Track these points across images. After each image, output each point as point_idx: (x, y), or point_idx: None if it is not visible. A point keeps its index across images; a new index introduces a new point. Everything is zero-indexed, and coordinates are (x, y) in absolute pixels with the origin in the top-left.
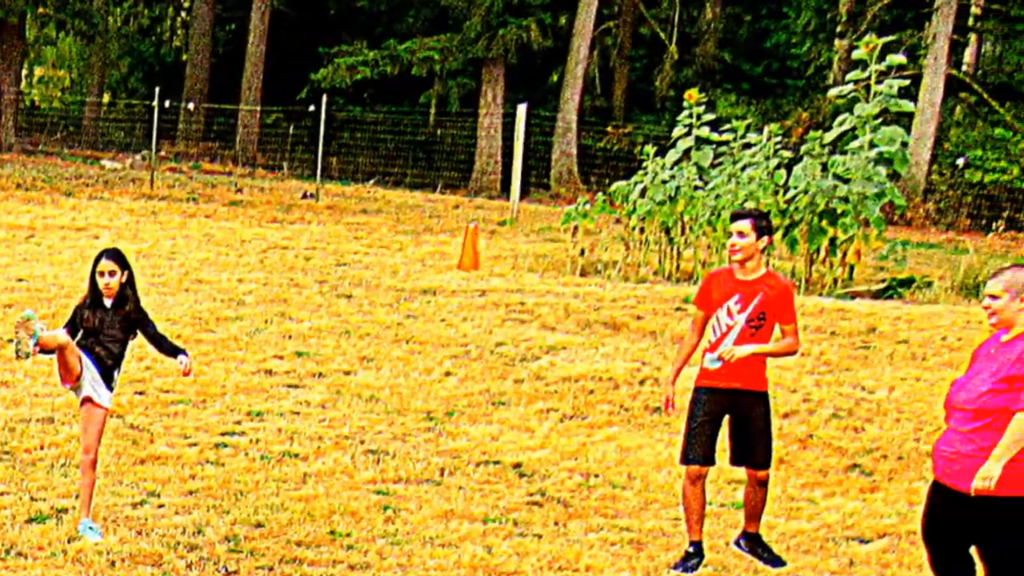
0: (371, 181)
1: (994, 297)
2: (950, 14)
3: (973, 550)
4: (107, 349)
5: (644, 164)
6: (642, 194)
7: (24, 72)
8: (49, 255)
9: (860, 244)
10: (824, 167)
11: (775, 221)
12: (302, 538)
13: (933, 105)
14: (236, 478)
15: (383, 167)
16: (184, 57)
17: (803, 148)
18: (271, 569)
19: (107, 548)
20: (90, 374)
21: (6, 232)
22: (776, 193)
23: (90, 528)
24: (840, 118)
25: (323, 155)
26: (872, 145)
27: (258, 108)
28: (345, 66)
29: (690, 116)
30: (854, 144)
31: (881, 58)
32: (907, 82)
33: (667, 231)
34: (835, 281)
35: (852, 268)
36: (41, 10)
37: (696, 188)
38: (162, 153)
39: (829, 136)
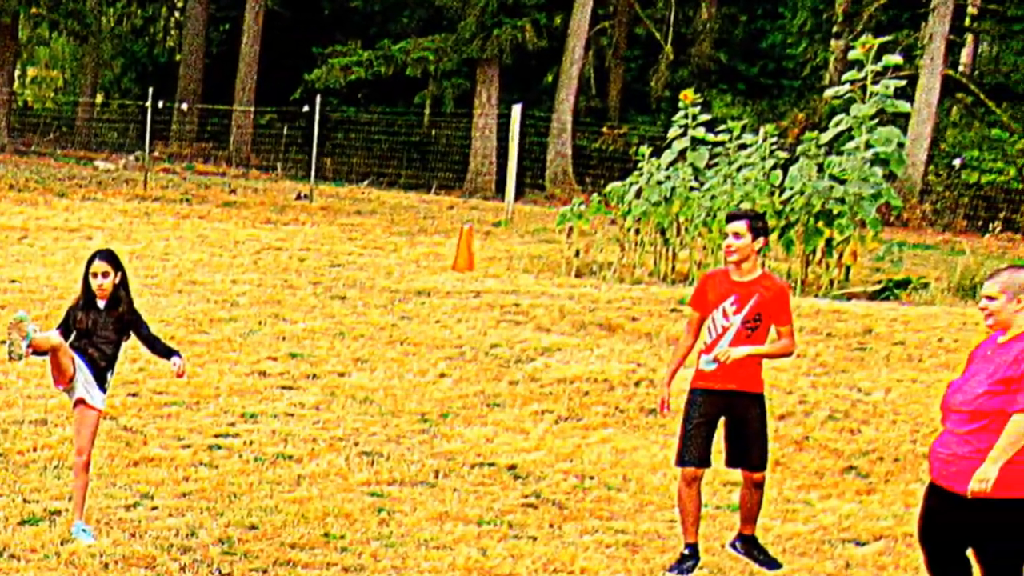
0: (365, 182)
1: (991, 298)
2: (946, 14)
3: (970, 552)
4: (100, 351)
5: (639, 165)
6: (637, 195)
7: (17, 72)
8: (42, 256)
9: (856, 245)
10: (820, 168)
11: (771, 222)
12: (296, 540)
13: (929, 106)
14: (230, 480)
15: (377, 168)
16: (178, 57)
17: (799, 149)
18: (265, 571)
19: (100, 550)
20: (83, 376)
21: None
22: (772, 194)
23: (83, 530)
24: (836, 119)
25: (317, 156)
26: (868, 146)
27: (252, 109)
28: (339, 66)
29: (685, 117)
30: (850, 145)
31: (877, 58)
32: (903, 82)
33: (662, 232)
34: (831, 282)
35: (848, 269)
36: (34, 10)
37: (692, 189)
38: (155, 154)
39: (825, 137)
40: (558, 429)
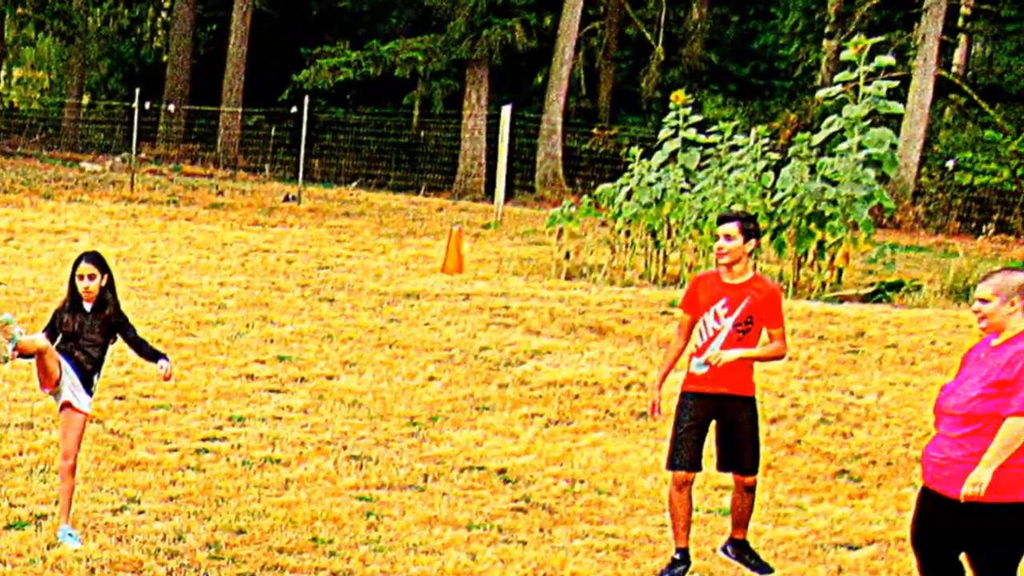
0: (354, 183)
1: (984, 301)
2: (939, 15)
3: (963, 557)
4: (87, 354)
5: (630, 166)
6: (628, 197)
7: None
8: (28, 258)
9: (848, 247)
10: (812, 169)
11: (762, 224)
12: (284, 545)
13: (922, 107)
14: (217, 484)
15: (366, 169)
16: (164, 58)
17: (791, 150)
18: None
19: (87, 555)
20: (69, 379)
21: None
22: (764, 196)
23: (69, 535)
24: (828, 120)
25: (305, 157)
26: (860, 147)
27: (239, 110)
28: (327, 67)
29: (676, 118)
30: (842, 146)
31: (870, 59)
32: (896, 83)
33: (653, 234)
34: (823, 285)
35: (840, 271)
36: (20, 11)
37: (682, 191)
38: (142, 155)
39: (817, 138)
40: (548, 433)
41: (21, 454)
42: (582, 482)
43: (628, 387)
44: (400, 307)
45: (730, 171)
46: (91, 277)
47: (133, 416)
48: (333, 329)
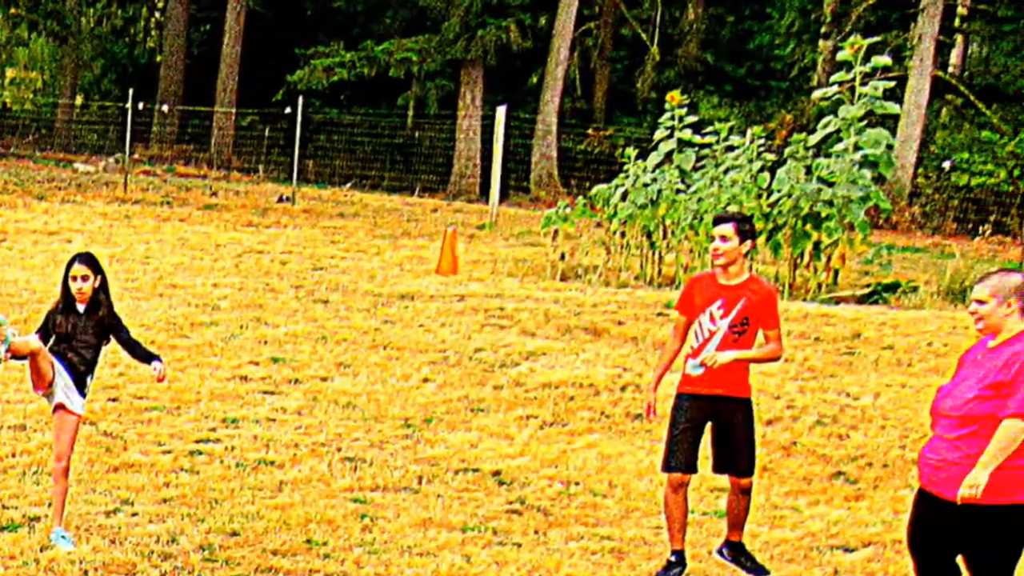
0: (348, 184)
1: (981, 302)
2: (936, 15)
3: (960, 559)
4: (80, 355)
5: (625, 167)
6: (623, 197)
7: None
8: (21, 259)
9: (845, 248)
10: (808, 170)
11: (758, 225)
12: (278, 547)
13: (919, 107)
14: (211, 486)
15: (360, 170)
16: (158, 58)
17: (787, 151)
18: None
19: (80, 557)
20: (63, 380)
21: None
22: (759, 196)
23: (63, 537)
24: (824, 120)
25: (299, 158)
26: (857, 148)
27: (233, 110)
28: (321, 67)
29: (672, 118)
30: (838, 147)
31: (866, 59)
32: (892, 84)
33: (648, 235)
34: (819, 286)
35: (836, 273)
36: (13, 11)
37: (678, 191)
38: (136, 156)
39: (813, 139)
40: (543, 434)
41: (14, 456)
42: (577, 484)
43: (623, 389)
44: (394, 308)
45: (726, 172)
46: (84, 278)
47: (127, 418)
48: (327, 330)
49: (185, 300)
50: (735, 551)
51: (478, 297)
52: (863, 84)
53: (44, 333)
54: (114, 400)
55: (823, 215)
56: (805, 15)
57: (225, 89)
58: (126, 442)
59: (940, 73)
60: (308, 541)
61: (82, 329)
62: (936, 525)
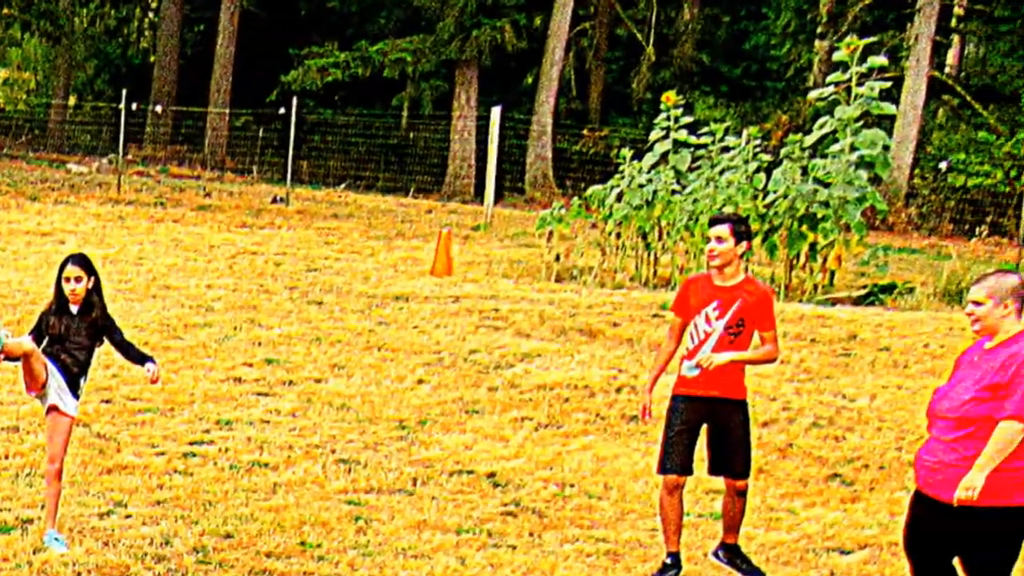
0: (342, 185)
1: (977, 303)
2: (932, 15)
3: (956, 562)
4: (73, 356)
5: (621, 168)
6: (619, 198)
7: None
8: (14, 260)
9: (841, 249)
10: (804, 171)
11: (754, 226)
12: (272, 549)
13: (915, 108)
14: (205, 488)
15: (354, 171)
16: (152, 59)
17: (783, 151)
18: None
19: (73, 559)
20: (56, 382)
21: None
22: (755, 197)
23: (56, 539)
24: (820, 121)
25: (293, 159)
26: (853, 148)
27: (227, 111)
28: (316, 68)
29: (667, 119)
30: (835, 147)
31: (862, 60)
32: (889, 84)
33: (644, 236)
34: (815, 287)
35: (833, 274)
36: (6, 11)
37: (673, 192)
38: (129, 157)
39: (809, 139)
40: (538, 436)
41: (7, 458)
42: (572, 486)
43: (619, 390)
44: (389, 310)
45: (721, 173)
46: (77, 279)
47: (120, 419)
48: (321, 332)
49: (179, 301)
50: (731, 553)
51: (473, 298)
52: (859, 84)
53: (37, 334)
54: (107, 402)
55: (819, 216)
56: (801, 15)
57: (219, 89)
58: (119, 444)
59: (936, 73)
60: (302, 543)
61: (75, 330)
62: (932, 527)
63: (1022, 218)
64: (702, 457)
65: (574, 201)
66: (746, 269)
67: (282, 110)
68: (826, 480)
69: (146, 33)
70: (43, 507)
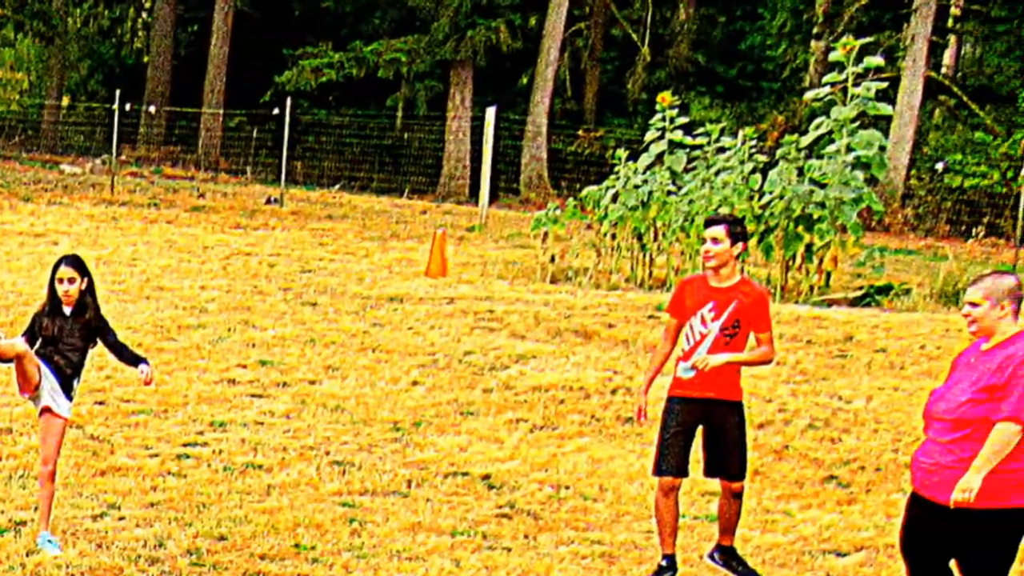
0: (337, 186)
1: (974, 305)
2: (929, 15)
3: (953, 564)
4: (66, 358)
5: (616, 168)
6: (614, 199)
7: None
8: (7, 262)
9: (837, 250)
10: (800, 171)
11: (750, 227)
12: (266, 551)
13: (911, 108)
14: (198, 490)
15: (349, 172)
16: (145, 59)
17: (779, 152)
18: None
19: (66, 562)
20: (49, 383)
21: None
22: (751, 198)
23: (49, 541)
24: (816, 121)
25: (287, 159)
26: (849, 149)
27: (221, 111)
28: (310, 68)
29: (663, 119)
30: (831, 148)
31: (858, 60)
32: (885, 85)
33: (639, 237)
34: (811, 288)
35: (829, 275)
36: None
37: (669, 193)
38: (123, 157)
39: (805, 140)
40: (533, 438)
41: (0, 459)
42: (567, 488)
43: (614, 392)
44: (383, 311)
45: (717, 173)
46: (71, 281)
47: (113, 421)
48: (316, 333)
49: (172, 303)
50: (726, 555)
51: (467, 300)
52: (855, 85)
53: (30, 336)
54: (101, 403)
55: (815, 217)
56: (797, 15)
57: (213, 90)
58: (113, 446)
59: (933, 74)
60: (296, 545)
61: (68, 332)
62: (929, 529)
63: (1019, 219)
64: (698, 459)
65: (569, 202)
66: (742, 270)
67: (276, 111)
68: (822, 482)
69: (140, 33)
70: (36, 509)
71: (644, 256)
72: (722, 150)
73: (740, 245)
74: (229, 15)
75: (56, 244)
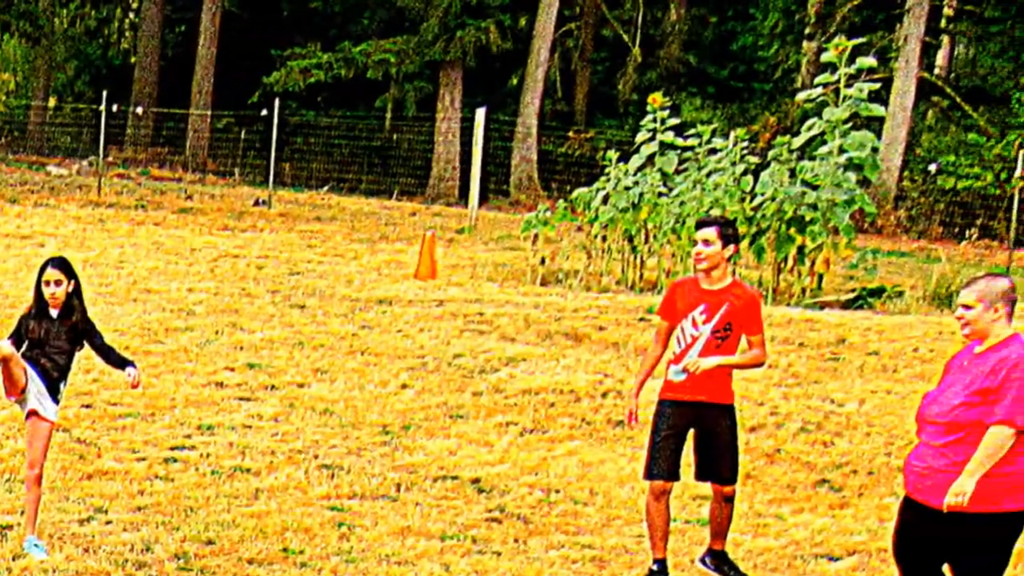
0: (325, 188)
1: (968, 307)
2: (922, 15)
3: (946, 568)
4: (53, 361)
5: (606, 170)
6: (604, 201)
7: None
8: None
9: (829, 252)
10: (792, 173)
11: (741, 229)
12: (254, 555)
13: (904, 109)
14: (186, 494)
15: (337, 173)
16: (132, 60)
17: (770, 153)
18: None
19: (53, 566)
20: (35, 386)
21: None
22: (742, 200)
23: (35, 545)
24: (808, 122)
25: (275, 161)
26: (841, 150)
27: (208, 112)
28: (298, 69)
29: (654, 120)
30: (823, 149)
31: (851, 61)
32: (878, 85)
33: (630, 239)
34: (803, 291)
35: (821, 277)
36: None
37: (660, 195)
38: (110, 159)
39: (797, 141)
40: (523, 441)
41: None
42: (558, 492)
43: (604, 395)
44: (372, 314)
45: (708, 175)
46: (57, 283)
47: (100, 425)
48: (304, 336)
49: (160, 305)
50: (718, 560)
51: (457, 302)
52: (848, 86)
53: (16, 339)
54: (88, 407)
55: (807, 219)
56: (789, 16)
57: (200, 91)
58: (100, 449)
59: (926, 75)
60: (285, 550)
61: (55, 334)
62: (922, 533)
63: (1012, 221)
64: (689, 462)
65: (559, 204)
66: (733, 272)
67: (264, 112)
68: (814, 486)
69: (127, 34)
70: (23, 513)
71: (635, 258)
72: (713, 151)
73: (732, 247)
74: (217, 15)
75: (43, 246)
